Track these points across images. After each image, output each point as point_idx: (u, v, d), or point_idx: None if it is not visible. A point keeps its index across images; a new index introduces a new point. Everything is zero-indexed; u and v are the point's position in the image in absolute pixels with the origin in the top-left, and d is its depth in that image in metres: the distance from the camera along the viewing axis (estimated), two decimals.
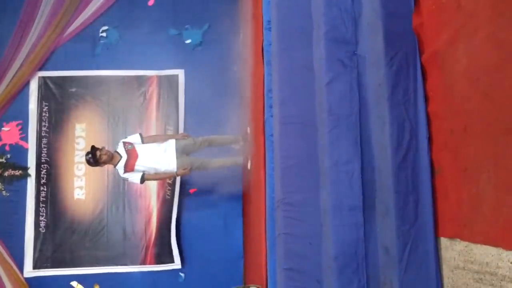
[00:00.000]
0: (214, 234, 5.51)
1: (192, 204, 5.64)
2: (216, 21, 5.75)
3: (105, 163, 4.66)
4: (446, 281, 2.20)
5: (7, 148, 5.66)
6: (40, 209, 5.60)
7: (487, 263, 1.86)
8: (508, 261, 1.74)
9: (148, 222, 5.64)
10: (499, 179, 1.79)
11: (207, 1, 5.82)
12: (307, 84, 2.91)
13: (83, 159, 5.37)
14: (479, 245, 1.92)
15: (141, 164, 4.65)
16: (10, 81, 5.58)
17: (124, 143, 4.72)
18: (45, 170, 5.67)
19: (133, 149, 4.68)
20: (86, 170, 5.65)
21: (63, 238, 5.59)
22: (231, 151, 5.26)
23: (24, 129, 5.71)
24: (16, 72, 5.59)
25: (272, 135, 3.22)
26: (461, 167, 2.04)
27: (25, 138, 5.71)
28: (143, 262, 5.56)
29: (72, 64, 5.79)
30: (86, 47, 5.84)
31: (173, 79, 5.84)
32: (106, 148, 4.76)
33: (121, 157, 4.64)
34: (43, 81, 5.78)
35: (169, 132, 5.69)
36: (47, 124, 5.72)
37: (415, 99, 2.35)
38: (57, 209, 5.64)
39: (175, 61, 5.82)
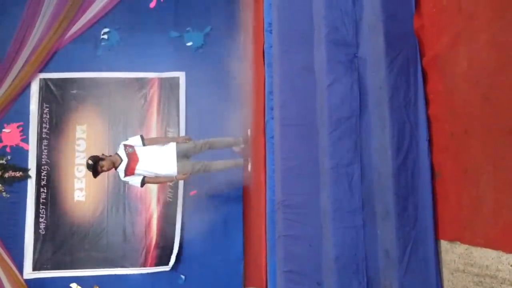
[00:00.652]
0: (214, 236, 5.50)
1: (192, 206, 5.63)
2: (217, 24, 5.76)
3: (107, 170, 4.65)
4: (446, 284, 2.20)
5: (7, 149, 5.67)
6: (40, 210, 5.60)
7: (487, 266, 1.86)
8: (508, 264, 1.74)
9: (148, 224, 5.64)
10: (499, 182, 1.79)
11: (209, 4, 5.84)
12: (308, 86, 2.92)
13: (84, 161, 5.39)
14: (479, 248, 1.92)
15: (141, 168, 4.65)
16: (11, 82, 5.59)
17: (125, 145, 4.71)
18: (45, 172, 5.67)
19: (134, 152, 4.67)
20: (86, 172, 5.63)
21: (63, 240, 5.59)
22: (232, 153, 5.26)
23: (24, 130, 5.71)
24: (18, 74, 5.60)
25: (272, 137, 3.22)
26: (461, 169, 2.04)
27: (25, 140, 5.71)
28: (144, 265, 5.56)
29: (73, 66, 5.80)
30: (88, 49, 5.85)
31: (174, 81, 5.85)
32: (106, 154, 4.75)
33: (121, 160, 4.64)
34: (44, 83, 5.79)
35: (170, 135, 5.69)
36: (47, 126, 5.73)
37: (416, 102, 2.35)
38: (57, 211, 5.63)
39: (176, 63, 5.83)
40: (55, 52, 5.76)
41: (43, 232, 5.57)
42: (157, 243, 5.58)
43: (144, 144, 4.75)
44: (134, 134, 5.33)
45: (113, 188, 5.68)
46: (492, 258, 1.82)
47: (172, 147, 4.77)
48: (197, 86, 5.70)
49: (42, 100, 5.76)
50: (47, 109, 5.75)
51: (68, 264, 5.54)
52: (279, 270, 2.90)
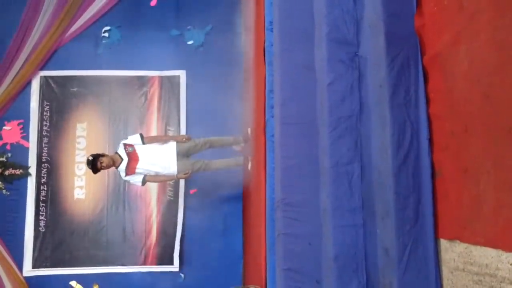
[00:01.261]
0: (214, 234, 5.51)
1: (192, 205, 5.64)
2: (218, 22, 5.77)
3: (107, 168, 4.68)
4: (445, 283, 2.20)
5: (8, 147, 5.68)
6: (40, 208, 5.61)
7: (486, 264, 1.86)
8: (508, 262, 1.74)
9: (148, 222, 5.65)
10: (499, 181, 1.78)
11: (210, 2, 5.84)
12: (308, 84, 2.92)
13: (84, 159, 5.40)
14: (478, 247, 1.91)
15: (142, 167, 4.67)
16: (12, 80, 5.60)
17: (125, 145, 4.73)
18: (45, 170, 5.67)
19: (134, 151, 4.69)
20: (86, 170, 5.64)
21: (63, 238, 5.59)
22: (232, 152, 5.27)
23: (25, 128, 5.72)
24: (18, 71, 5.61)
25: (273, 135, 3.22)
26: (462, 168, 2.04)
27: (26, 137, 5.72)
28: (144, 263, 5.56)
29: (74, 64, 5.81)
30: (88, 47, 5.85)
31: (175, 79, 5.85)
32: (106, 153, 4.77)
33: (122, 159, 4.64)
34: (45, 81, 5.79)
35: (170, 133, 5.70)
36: (48, 124, 5.73)
37: (416, 101, 2.35)
38: (57, 208, 5.64)
39: (177, 61, 5.84)
40: (56, 50, 5.77)
41: (43, 230, 5.57)
42: (157, 242, 5.59)
43: (143, 143, 4.77)
44: (134, 133, 5.36)
45: (113, 186, 5.69)
46: (492, 257, 1.82)
47: (172, 146, 4.78)
48: (198, 85, 5.71)
49: (43, 98, 5.76)
50: (48, 106, 5.75)
51: (68, 262, 5.55)
52: (279, 268, 2.90)
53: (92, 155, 4.60)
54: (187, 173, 4.78)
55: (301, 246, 2.82)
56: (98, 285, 5.40)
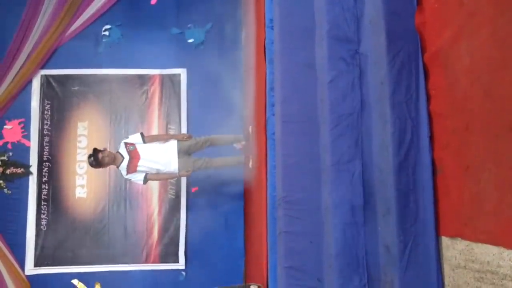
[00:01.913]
0: (215, 232, 5.51)
1: (193, 203, 5.64)
2: (219, 20, 5.76)
3: (107, 164, 4.70)
4: (447, 280, 2.20)
5: (9, 146, 5.67)
6: (42, 207, 5.61)
7: (488, 262, 1.86)
8: (509, 260, 1.74)
9: (150, 221, 5.65)
10: (500, 178, 1.78)
11: (210, 0, 5.83)
12: (309, 82, 2.91)
13: (85, 158, 5.40)
14: (480, 244, 1.92)
15: (143, 165, 4.67)
16: (13, 79, 5.59)
17: (126, 144, 4.73)
18: (46, 168, 5.68)
19: (135, 150, 4.69)
20: (87, 169, 5.65)
21: (65, 236, 5.60)
22: (233, 150, 5.27)
23: (26, 127, 5.71)
24: (19, 70, 5.60)
25: (274, 133, 3.22)
26: (463, 165, 2.04)
27: (27, 136, 5.71)
28: (146, 261, 5.57)
29: (74, 63, 5.80)
30: (89, 45, 5.84)
31: (175, 78, 5.85)
32: (108, 149, 4.79)
33: (123, 158, 4.65)
34: (46, 80, 5.79)
35: (171, 132, 5.70)
36: (49, 122, 5.73)
37: (417, 98, 2.35)
38: (58, 207, 5.64)
39: (178, 60, 5.83)
40: (56, 49, 5.76)
41: (45, 229, 5.58)
42: (159, 240, 5.59)
43: (144, 142, 4.77)
44: (135, 131, 5.37)
45: (114, 185, 5.69)
46: (493, 254, 1.82)
47: (173, 144, 4.79)
48: (199, 83, 5.70)
49: (44, 97, 5.76)
50: (49, 105, 5.75)
51: (70, 260, 5.55)
52: (280, 266, 2.90)
53: (94, 148, 4.65)
54: (188, 171, 4.78)
55: (303, 244, 2.82)
56: (100, 284, 5.40)
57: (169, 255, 5.56)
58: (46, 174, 5.66)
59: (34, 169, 5.65)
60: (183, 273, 5.53)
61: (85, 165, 5.64)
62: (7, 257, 5.39)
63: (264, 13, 3.65)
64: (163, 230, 5.61)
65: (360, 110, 2.64)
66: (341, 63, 2.67)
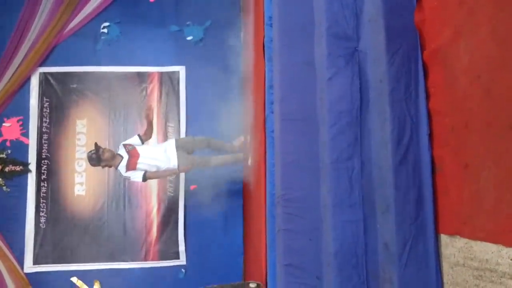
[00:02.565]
0: (214, 230, 5.52)
1: (192, 200, 5.64)
2: (218, 18, 5.75)
3: (106, 161, 4.74)
4: (446, 278, 2.20)
5: (8, 143, 5.67)
6: (41, 204, 5.61)
7: (487, 260, 1.86)
8: (508, 258, 1.74)
9: (149, 218, 5.65)
10: (499, 176, 1.78)
11: None
12: (308, 80, 2.91)
13: (84, 155, 5.42)
14: (479, 242, 1.91)
15: (143, 162, 4.71)
16: (11, 76, 5.58)
17: (125, 145, 4.81)
18: (45, 166, 5.67)
19: (134, 149, 4.76)
20: (86, 166, 5.65)
21: (64, 234, 5.60)
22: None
23: (25, 125, 5.71)
24: (17, 68, 5.59)
25: (272, 131, 3.22)
26: (462, 163, 2.04)
27: (26, 134, 5.71)
28: (145, 258, 5.58)
29: (73, 60, 5.79)
30: (87, 43, 5.84)
31: (174, 75, 5.84)
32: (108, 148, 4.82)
33: (122, 157, 4.69)
34: (44, 77, 5.78)
35: (170, 129, 5.73)
36: (48, 120, 5.72)
37: (416, 96, 2.34)
38: (57, 205, 5.64)
39: (176, 57, 5.82)
40: (54, 46, 5.75)
41: (44, 226, 5.58)
42: (158, 237, 5.60)
43: (142, 143, 4.82)
44: (134, 129, 5.44)
45: (113, 183, 5.69)
46: (492, 252, 1.82)
47: (171, 143, 4.83)
48: (198, 80, 5.70)
49: (42, 94, 5.75)
50: (47, 103, 5.74)
51: (69, 258, 5.55)
52: (279, 264, 2.90)
53: (95, 143, 4.74)
54: (188, 166, 4.82)
55: (302, 242, 2.82)
56: (99, 281, 5.40)
57: (168, 252, 5.57)
58: (45, 172, 5.66)
59: (32, 167, 5.65)
60: (182, 270, 5.54)
61: (84, 163, 5.64)
62: (6, 255, 5.39)
63: (263, 11, 3.64)
64: (162, 227, 5.62)
65: (359, 108, 2.63)
66: (340, 61, 2.66)
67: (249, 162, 4.76)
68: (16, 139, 5.69)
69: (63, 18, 5.67)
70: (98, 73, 5.83)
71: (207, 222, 5.54)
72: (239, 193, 5.50)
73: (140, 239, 5.61)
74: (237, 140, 5.28)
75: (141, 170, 4.73)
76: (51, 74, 5.79)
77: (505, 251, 1.75)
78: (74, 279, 5.10)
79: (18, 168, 5.62)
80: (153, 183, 5.65)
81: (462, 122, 2.02)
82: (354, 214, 2.56)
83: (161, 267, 5.54)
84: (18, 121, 5.70)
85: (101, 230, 5.63)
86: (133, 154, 4.71)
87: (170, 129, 5.76)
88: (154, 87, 5.84)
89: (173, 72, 5.84)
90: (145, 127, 5.12)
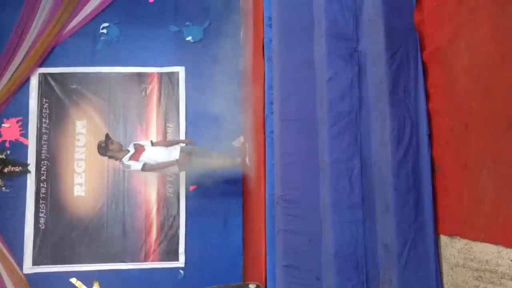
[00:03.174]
0: (213, 231, 5.51)
1: (192, 201, 5.64)
2: (217, 18, 5.74)
3: (113, 151, 4.83)
4: (445, 279, 2.19)
5: (7, 144, 5.65)
6: (40, 205, 5.59)
7: (486, 260, 1.85)
8: (508, 258, 1.73)
9: (148, 219, 5.64)
10: (499, 176, 1.78)
11: None
12: (308, 80, 2.91)
13: (84, 156, 5.43)
14: (478, 243, 1.91)
15: (146, 156, 4.82)
16: (11, 77, 5.57)
17: (135, 143, 4.97)
18: (45, 167, 5.66)
19: (142, 146, 4.91)
20: (86, 167, 5.65)
21: (63, 235, 5.58)
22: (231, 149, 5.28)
23: (24, 125, 5.70)
24: (17, 68, 5.58)
25: (272, 131, 3.22)
26: (462, 164, 2.04)
27: (25, 135, 5.70)
28: (145, 259, 5.57)
29: (72, 61, 5.78)
30: (87, 43, 5.83)
31: (174, 76, 5.84)
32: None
33: (128, 151, 4.84)
34: (44, 78, 5.77)
35: (170, 130, 5.74)
36: (47, 121, 5.72)
37: (416, 96, 2.34)
38: (57, 205, 5.63)
39: (176, 58, 5.82)
40: (54, 47, 5.74)
41: (43, 227, 5.56)
42: (157, 238, 5.59)
43: (152, 145, 4.98)
44: (133, 129, 5.51)
45: (113, 183, 5.68)
46: (492, 253, 1.82)
47: (176, 148, 4.98)
48: (197, 81, 5.69)
49: (42, 95, 5.74)
50: (47, 104, 5.73)
51: (68, 259, 5.54)
52: (279, 265, 2.90)
53: (106, 134, 4.92)
54: (187, 158, 4.88)
55: (301, 243, 2.82)
56: (98, 282, 5.39)
57: (168, 253, 5.56)
58: (45, 172, 5.65)
59: (32, 167, 5.63)
60: (182, 271, 5.53)
61: (83, 164, 5.64)
62: (5, 256, 5.38)
63: (263, 11, 3.64)
64: (162, 228, 5.61)
65: (359, 108, 2.63)
66: (340, 61, 2.66)
67: (247, 161, 4.82)
68: (15, 139, 5.68)
69: (63, 19, 5.67)
70: (97, 74, 5.82)
71: (206, 222, 5.54)
72: (239, 194, 5.49)
73: (139, 240, 5.60)
74: (237, 140, 5.28)
75: (142, 162, 4.82)
76: (51, 74, 5.78)
77: (505, 252, 1.74)
78: (73, 280, 5.10)
79: (17, 169, 5.61)
80: (153, 184, 5.65)
81: (462, 122, 2.02)
82: (354, 215, 2.55)
83: (160, 268, 5.53)
84: (17, 121, 5.69)
85: (101, 231, 5.61)
86: (139, 150, 4.85)
87: (169, 130, 5.76)
88: (153, 88, 5.83)
89: (173, 73, 5.84)
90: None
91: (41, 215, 5.57)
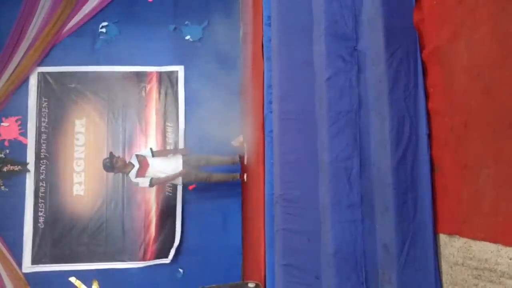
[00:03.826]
0: (213, 230, 5.52)
1: (191, 200, 5.64)
2: (216, 17, 5.75)
3: (119, 169, 4.91)
4: (445, 278, 2.19)
5: (6, 143, 5.66)
6: (39, 204, 5.60)
7: (486, 259, 1.85)
8: (507, 257, 1.73)
9: (147, 218, 5.65)
10: (498, 176, 1.78)
11: None
12: (307, 80, 2.90)
13: (83, 155, 5.44)
14: (478, 242, 1.91)
15: (151, 172, 4.92)
16: (10, 76, 5.58)
17: (137, 155, 5.00)
18: (44, 166, 5.66)
19: (145, 160, 4.97)
20: (85, 166, 5.65)
21: (62, 234, 5.59)
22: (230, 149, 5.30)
23: (23, 124, 5.70)
24: (16, 68, 5.59)
25: (271, 131, 3.21)
26: (461, 163, 2.03)
27: (24, 134, 5.70)
28: (143, 258, 5.57)
29: (71, 60, 5.79)
30: (86, 42, 5.84)
31: (173, 75, 5.84)
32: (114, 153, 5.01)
33: (133, 166, 4.89)
34: (43, 77, 5.77)
35: (169, 128, 5.75)
36: (46, 120, 5.72)
37: (415, 95, 2.34)
38: (56, 204, 5.63)
39: (175, 57, 5.83)
40: (53, 46, 5.75)
41: (42, 226, 5.57)
42: (156, 237, 5.59)
43: (153, 156, 5.03)
44: (133, 128, 5.52)
45: (112, 183, 5.69)
46: (491, 252, 1.82)
47: (178, 158, 5.05)
48: (196, 80, 5.70)
49: (41, 94, 5.74)
50: (46, 103, 5.73)
51: (67, 258, 5.55)
52: (278, 264, 2.89)
53: (110, 152, 4.99)
54: (189, 171, 4.99)
55: (300, 242, 2.82)
56: (97, 281, 5.39)
57: (165, 252, 5.56)
58: (44, 171, 5.65)
59: (31, 166, 5.64)
60: (181, 270, 5.53)
61: (82, 163, 5.65)
62: (4, 255, 5.39)
63: (262, 10, 3.63)
64: (161, 227, 5.61)
65: (358, 107, 2.63)
66: (339, 61, 2.66)
67: (245, 178, 5.02)
68: (14, 138, 5.69)
69: (62, 18, 5.67)
70: (96, 73, 5.83)
71: (206, 222, 5.54)
72: (238, 193, 5.50)
73: (138, 239, 5.61)
74: (236, 140, 5.29)
75: (149, 177, 4.91)
76: (50, 73, 5.78)
77: (504, 250, 1.74)
78: (72, 279, 5.10)
79: (16, 168, 5.62)
80: None
81: (461, 121, 2.02)
82: (353, 214, 2.55)
83: (159, 267, 5.53)
84: (16, 120, 5.70)
85: (100, 230, 5.62)
86: (143, 165, 4.93)
87: (168, 129, 5.76)
88: (152, 87, 5.84)
89: (172, 72, 5.84)
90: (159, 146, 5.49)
91: (40, 214, 5.57)
